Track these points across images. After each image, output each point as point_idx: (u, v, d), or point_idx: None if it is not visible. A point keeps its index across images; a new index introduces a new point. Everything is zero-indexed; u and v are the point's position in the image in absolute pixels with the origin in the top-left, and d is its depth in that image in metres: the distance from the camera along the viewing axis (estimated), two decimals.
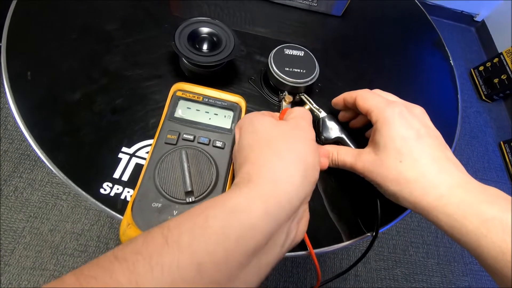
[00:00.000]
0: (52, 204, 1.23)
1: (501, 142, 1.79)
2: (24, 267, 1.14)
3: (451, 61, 0.59)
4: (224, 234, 0.21)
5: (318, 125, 0.41)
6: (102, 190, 0.35)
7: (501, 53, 1.85)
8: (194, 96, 0.37)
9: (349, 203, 0.40)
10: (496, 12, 2.10)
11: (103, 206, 0.34)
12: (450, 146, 0.49)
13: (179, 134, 0.34)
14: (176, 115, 0.36)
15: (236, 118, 0.37)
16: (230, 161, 0.34)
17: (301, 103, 0.44)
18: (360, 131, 0.41)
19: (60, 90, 0.40)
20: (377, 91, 0.37)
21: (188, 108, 0.36)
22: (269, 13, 0.56)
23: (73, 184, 0.35)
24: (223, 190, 0.32)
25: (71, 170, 0.35)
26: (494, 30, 2.10)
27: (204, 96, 0.37)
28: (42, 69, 0.41)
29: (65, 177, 0.35)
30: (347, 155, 0.35)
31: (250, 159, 0.28)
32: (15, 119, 0.37)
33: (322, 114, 0.41)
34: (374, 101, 0.33)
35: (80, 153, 0.37)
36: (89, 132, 0.38)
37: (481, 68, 1.97)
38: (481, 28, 2.20)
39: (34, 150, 0.36)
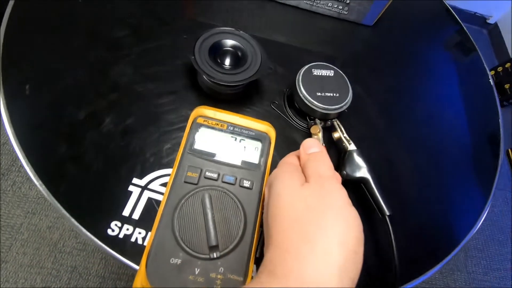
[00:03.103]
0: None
1: (509, 150, 1.74)
2: (22, 265, 1.11)
3: (490, 80, 0.54)
4: None
5: (343, 158, 0.36)
6: (109, 231, 0.30)
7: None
8: (217, 124, 0.32)
9: (369, 255, 0.35)
10: (510, 15, 2.02)
11: (111, 251, 0.29)
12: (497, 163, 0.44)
13: (201, 171, 0.29)
14: (196, 146, 0.31)
15: (266, 151, 0.32)
16: (259, 204, 0.29)
17: (331, 128, 0.39)
18: None
19: (63, 107, 0.35)
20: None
21: (210, 138, 0.31)
22: (294, 20, 0.51)
23: (76, 223, 0.30)
24: (251, 243, 0.28)
25: (74, 205, 0.31)
26: (507, 33, 2.02)
27: (229, 124, 0.32)
28: (42, 82, 0.36)
29: (67, 214, 0.30)
30: None
31: (273, 238, 0.23)
32: (11, 142, 0.32)
33: (351, 147, 0.36)
34: None
35: (85, 184, 0.32)
36: (94, 158, 0.33)
37: (492, 72, 1.89)
38: (494, 31, 2.12)
39: (32, 179, 0.31)
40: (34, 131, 0.33)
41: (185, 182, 0.29)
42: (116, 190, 0.32)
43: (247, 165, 0.31)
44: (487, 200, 0.41)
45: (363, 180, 0.34)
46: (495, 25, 2.11)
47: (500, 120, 0.50)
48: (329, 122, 0.39)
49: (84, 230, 0.30)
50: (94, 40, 0.40)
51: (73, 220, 0.30)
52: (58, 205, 0.30)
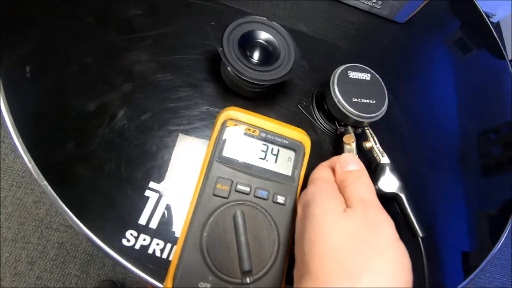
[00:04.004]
0: None
1: None
2: (5, 239, 1.07)
3: None
4: None
5: (374, 171, 0.34)
6: (124, 241, 0.27)
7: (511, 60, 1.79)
8: (249, 129, 0.29)
9: None
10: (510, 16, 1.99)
11: (127, 264, 0.27)
12: None
13: (232, 183, 0.26)
14: (226, 154, 0.27)
15: (299, 163, 0.29)
16: (292, 222, 0.27)
17: (361, 136, 0.36)
18: None
19: (69, 97, 0.31)
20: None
21: (241, 145, 0.28)
22: (320, 9, 0.46)
23: (87, 232, 0.27)
24: (283, 266, 0.25)
25: (84, 212, 0.27)
26: (508, 34, 2.00)
27: (262, 129, 0.29)
28: (45, 65, 0.31)
29: (77, 221, 0.27)
30: None
31: (310, 267, 0.21)
32: (11, 137, 0.28)
33: (384, 159, 0.34)
34: None
35: (95, 188, 0.28)
36: (106, 158, 0.30)
37: None
38: (495, 30, 2.11)
39: (36, 178, 0.28)
40: (37, 125, 0.29)
41: (214, 195, 0.26)
42: (131, 195, 0.29)
43: (279, 178, 0.28)
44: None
45: (395, 197, 0.32)
46: (497, 24, 2.09)
47: None
48: (359, 130, 0.37)
49: (97, 241, 0.27)
50: (105, 19, 0.35)
51: (84, 228, 0.27)
52: (68, 211, 0.27)
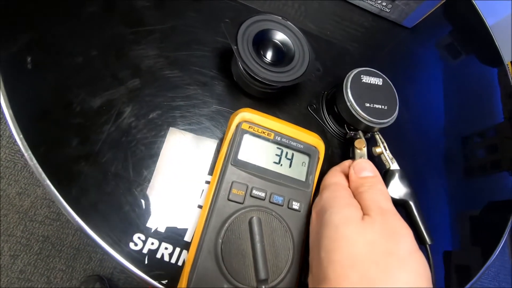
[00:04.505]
0: (22, 165, 1.10)
1: None
2: None
3: None
4: None
5: (383, 177, 0.34)
6: (132, 245, 0.26)
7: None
8: (264, 132, 0.28)
9: None
10: (503, 22, 2.03)
11: (136, 270, 0.26)
12: None
13: (247, 188, 0.26)
14: (241, 157, 0.27)
15: (314, 168, 0.29)
16: (306, 229, 0.27)
17: (370, 141, 0.36)
18: None
19: (73, 91, 0.29)
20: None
21: (256, 148, 0.27)
22: (329, 9, 0.45)
23: (93, 235, 0.26)
24: (297, 274, 0.25)
25: (88, 213, 0.26)
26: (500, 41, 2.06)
27: (276, 133, 0.28)
28: (48, 57, 0.29)
29: (81, 222, 0.26)
30: None
31: (329, 275, 0.21)
32: (11, 132, 0.26)
33: (394, 166, 0.34)
34: None
35: (101, 188, 0.27)
36: (113, 157, 0.28)
37: None
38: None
39: (38, 177, 0.26)
40: (39, 121, 0.27)
41: (230, 200, 0.25)
42: (138, 197, 0.28)
43: (294, 183, 0.28)
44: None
45: (404, 204, 0.32)
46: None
47: None
48: (368, 135, 0.36)
49: (102, 244, 0.26)
50: (109, 11, 0.33)
51: (89, 231, 0.26)
52: (72, 213, 0.26)
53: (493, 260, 0.39)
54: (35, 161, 0.26)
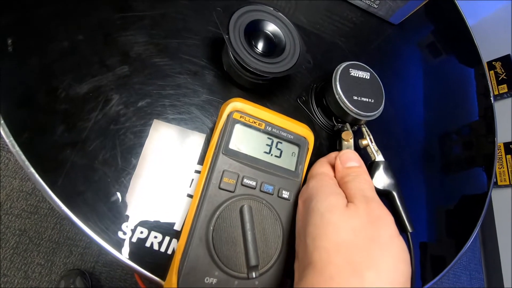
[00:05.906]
0: None
1: None
2: None
3: (491, 98, 0.55)
4: None
5: (368, 168, 0.35)
6: (120, 234, 0.26)
7: None
8: (255, 122, 0.28)
9: None
10: (484, 22, 2.09)
11: (125, 259, 0.25)
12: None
13: (238, 176, 0.26)
14: (232, 146, 0.27)
15: (303, 158, 0.29)
16: (295, 217, 0.27)
17: (357, 134, 0.37)
18: None
19: (59, 76, 0.28)
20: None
21: (247, 138, 0.27)
22: (320, 4, 0.46)
23: (79, 224, 0.25)
24: (287, 260, 0.26)
25: (75, 202, 0.26)
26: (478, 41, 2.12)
27: (267, 123, 0.28)
28: (30, 40, 0.28)
29: (68, 212, 0.25)
30: None
31: (314, 260, 0.21)
32: None
33: (379, 157, 0.35)
34: None
35: (88, 176, 0.27)
36: (99, 146, 0.28)
37: None
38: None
39: (22, 164, 0.25)
40: (22, 107, 0.26)
41: (221, 188, 0.25)
42: (126, 185, 0.27)
43: (284, 173, 0.28)
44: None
45: (388, 194, 0.34)
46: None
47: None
48: (355, 127, 0.37)
49: (89, 233, 0.25)
50: None
51: (76, 220, 0.25)
52: (57, 201, 0.25)
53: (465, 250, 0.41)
54: (17, 148, 0.25)
